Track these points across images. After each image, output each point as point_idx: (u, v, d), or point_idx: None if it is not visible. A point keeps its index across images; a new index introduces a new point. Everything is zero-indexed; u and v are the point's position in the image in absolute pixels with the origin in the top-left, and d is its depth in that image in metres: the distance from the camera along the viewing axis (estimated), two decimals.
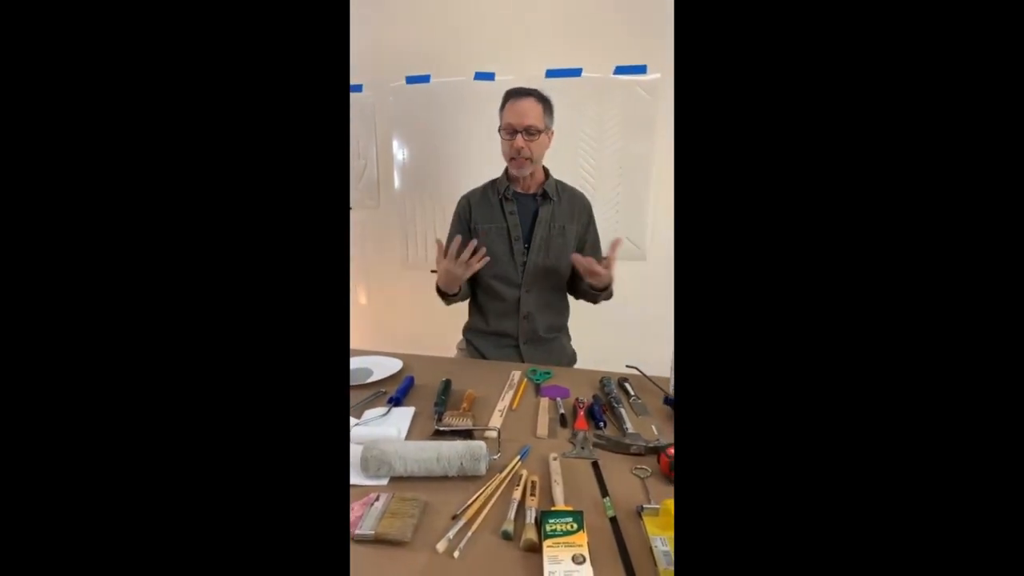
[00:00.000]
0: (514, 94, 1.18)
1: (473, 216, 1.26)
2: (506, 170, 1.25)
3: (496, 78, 1.77)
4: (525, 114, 1.15)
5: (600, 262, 1.10)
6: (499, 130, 1.20)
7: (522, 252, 1.24)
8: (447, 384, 0.98)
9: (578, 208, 1.27)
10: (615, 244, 1.11)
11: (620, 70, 1.70)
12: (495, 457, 0.72)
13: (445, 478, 0.69)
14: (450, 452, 0.69)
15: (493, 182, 1.29)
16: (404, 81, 1.85)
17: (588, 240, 1.29)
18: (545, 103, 1.18)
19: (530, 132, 1.16)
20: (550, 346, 1.28)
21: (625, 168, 1.77)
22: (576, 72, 1.73)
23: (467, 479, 0.69)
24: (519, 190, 1.25)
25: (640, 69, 1.69)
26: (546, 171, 1.27)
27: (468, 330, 1.34)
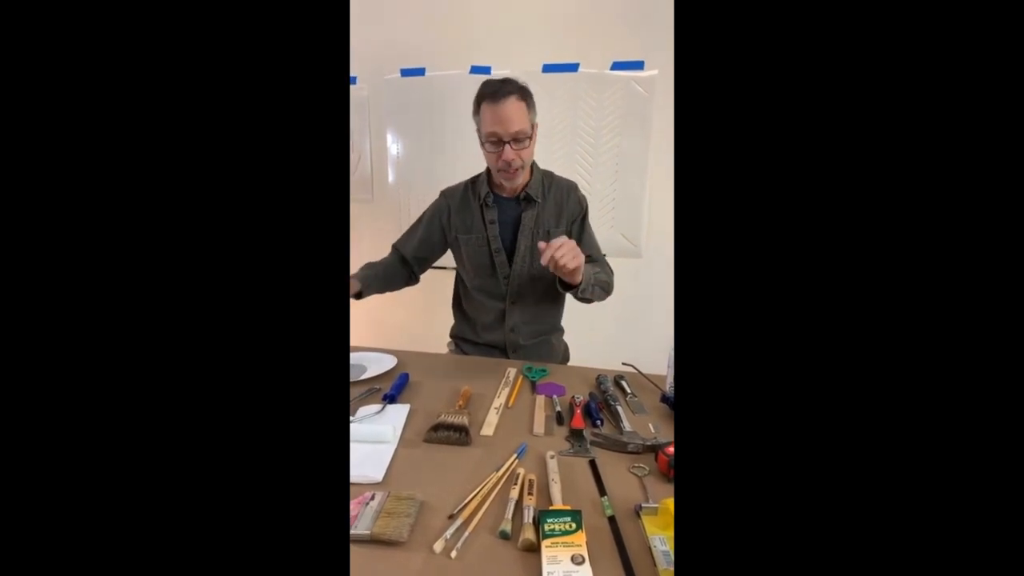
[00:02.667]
0: (491, 95, 0.99)
1: (452, 223, 1.16)
2: (488, 174, 1.14)
3: (492, 71, 1.75)
4: (510, 119, 0.98)
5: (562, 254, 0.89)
6: (479, 136, 1.04)
7: (504, 264, 1.14)
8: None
9: (567, 204, 1.15)
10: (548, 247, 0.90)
11: (617, 65, 1.69)
12: None
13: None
14: None
15: (473, 182, 1.16)
16: (399, 74, 1.83)
17: (575, 232, 1.16)
18: (526, 97, 1.01)
19: (519, 140, 1.00)
20: (539, 350, 1.24)
21: (621, 164, 1.76)
22: (573, 67, 1.71)
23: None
24: (500, 193, 1.14)
25: (637, 65, 1.68)
26: (532, 165, 1.14)
27: (455, 335, 1.31)
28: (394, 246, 1.26)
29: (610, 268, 1.20)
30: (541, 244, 0.90)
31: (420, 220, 1.24)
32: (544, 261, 0.89)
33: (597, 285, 1.08)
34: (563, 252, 0.88)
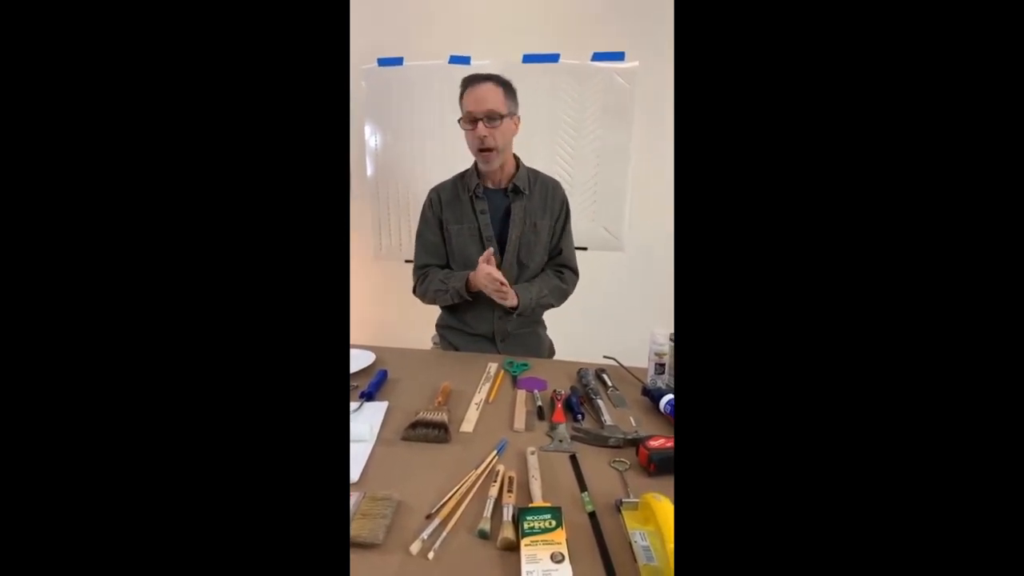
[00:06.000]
0: (471, 80, 1.10)
1: (444, 214, 1.19)
2: (475, 165, 1.18)
3: (472, 62, 1.72)
4: (484, 99, 1.07)
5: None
6: (460, 121, 1.12)
7: (494, 253, 1.16)
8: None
9: (551, 199, 1.21)
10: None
11: (598, 56, 1.68)
12: None
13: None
14: None
15: (462, 176, 1.21)
16: (376, 63, 1.79)
17: (558, 231, 1.23)
18: (506, 87, 1.10)
19: (491, 118, 1.07)
20: (526, 340, 1.26)
21: (603, 157, 1.75)
22: (554, 58, 1.70)
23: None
24: (489, 185, 1.19)
25: (618, 56, 1.67)
26: (517, 160, 1.20)
27: (442, 326, 1.31)
28: (423, 266, 1.23)
29: (574, 276, 1.27)
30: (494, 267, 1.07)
31: (426, 227, 1.23)
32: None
33: (539, 307, 1.20)
34: (493, 288, 1.08)
